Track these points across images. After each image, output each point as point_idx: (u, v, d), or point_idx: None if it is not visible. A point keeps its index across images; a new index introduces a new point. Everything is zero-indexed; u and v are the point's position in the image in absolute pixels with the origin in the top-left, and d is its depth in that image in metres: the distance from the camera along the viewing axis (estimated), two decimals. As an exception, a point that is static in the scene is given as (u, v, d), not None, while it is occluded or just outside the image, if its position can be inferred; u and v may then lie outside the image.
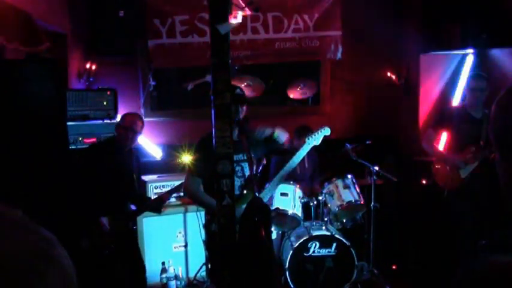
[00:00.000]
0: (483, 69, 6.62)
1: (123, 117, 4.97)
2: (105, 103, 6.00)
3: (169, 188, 5.44)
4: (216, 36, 3.35)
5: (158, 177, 6.23)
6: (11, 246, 0.85)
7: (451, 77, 7.35)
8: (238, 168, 4.28)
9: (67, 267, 0.93)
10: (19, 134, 3.53)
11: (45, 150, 3.62)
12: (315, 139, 4.94)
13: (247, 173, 4.34)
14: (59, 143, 3.81)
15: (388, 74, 7.63)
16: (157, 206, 5.21)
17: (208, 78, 6.48)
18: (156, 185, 5.97)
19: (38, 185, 3.51)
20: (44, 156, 3.61)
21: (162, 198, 5.19)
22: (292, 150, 6.21)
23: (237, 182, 4.20)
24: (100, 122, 5.92)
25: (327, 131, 4.98)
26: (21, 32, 5.03)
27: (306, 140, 4.95)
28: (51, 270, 0.87)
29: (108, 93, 6.09)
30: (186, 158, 5.55)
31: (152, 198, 5.49)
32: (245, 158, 4.20)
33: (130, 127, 4.85)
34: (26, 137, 3.57)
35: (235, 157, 4.03)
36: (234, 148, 3.44)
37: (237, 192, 4.08)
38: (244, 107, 4.26)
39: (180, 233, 6.05)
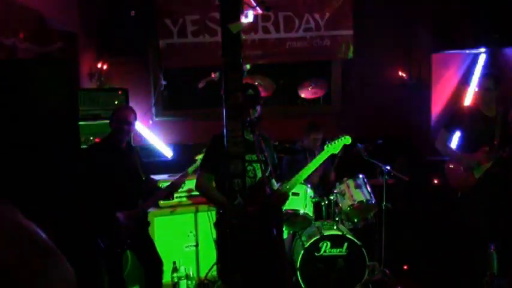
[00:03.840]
0: (495, 68, 6.58)
1: (115, 112, 4.97)
2: (116, 103, 6.01)
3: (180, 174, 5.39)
4: (227, 35, 3.34)
5: (169, 176, 6.22)
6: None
7: (464, 76, 7.29)
8: (249, 168, 4.24)
9: (68, 271, 0.93)
10: (31, 135, 3.55)
11: (57, 150, 3.63)
12: (334, 147, 4.91)
13: (259, 174, 4.28)
14: (70, 142, 3.81)
15: (400, 73, 7.59)
16: (170, 192, 5.29)
17: (216, 75, 6.48)
18: (166, 185, 5.98)
19: (51, 184, 3.52)
20: (56, 155, 3.62)
21: (175, 184, 5.22)
22: (303, 149, 6.23)
23: (247, 183, 4.17)
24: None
25: (347, 140, 4.94)
26: (33, 31, 5.07)
27: (325, 147, 4.92)
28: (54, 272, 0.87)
29: (120, 92, 6.11)
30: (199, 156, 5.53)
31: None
32: (257, 158, 4.15)
33: (124, 119, 4.85)
34: (38, 137, 3.58)
35: (247, 157, 4.01)
36: (246, 148, 3.43)
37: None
38: (259, 108, 4.21)
39: (191, 232, 6.05)
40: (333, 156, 5.21)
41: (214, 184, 4.33)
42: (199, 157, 5.11)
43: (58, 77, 3.85)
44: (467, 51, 7.16)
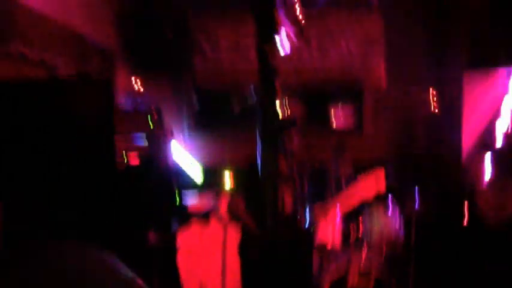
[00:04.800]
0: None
1: (151, 133, 5.04)
2: (150, 121, 6.08)
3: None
4: (263, 63, 3.39)
5: (198, 192, 6.26)
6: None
7: (497, 95, 7.14)
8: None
9: None
10: (70, 153, 3.63)
11: (94, 167, 3.71)
12: None
13: (289, 200, 4.30)
14: (106, 160, 3.89)
15: (431, 94, 7.53)
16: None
17: (253, 100, 6.54)
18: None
19: (88, 201, 3.59)
20: (92, 172, 3.70)
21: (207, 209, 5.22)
22: (332, 170, 6.23)
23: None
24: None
25: (380, 173, 4.89)
26: (73, 50, 5.19)
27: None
28: None
29: (154, 112, 6.19)
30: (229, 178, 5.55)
31: None
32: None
33: (160, 140, 4.92)
34: (76, 155, 3.66)
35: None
36: (280, 174, 3.46)
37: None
38: (296, 138, 4.23)
39: (218, 253, 6.04)
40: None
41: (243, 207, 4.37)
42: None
43: (97, 96, 3.94)
44: (499, 69, 7.02)
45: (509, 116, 6.65)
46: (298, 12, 5.01)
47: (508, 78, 6.98)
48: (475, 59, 6.91)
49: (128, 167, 5.67)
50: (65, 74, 5.02)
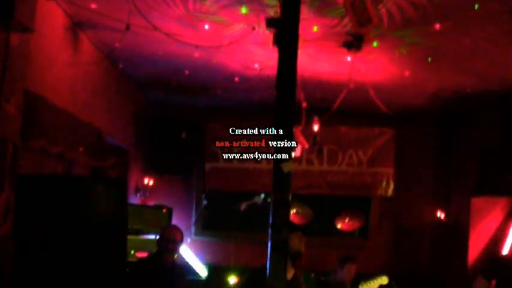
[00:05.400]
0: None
1: (163, 229, 5.11)
2: (160, 219, 6.17)
3: None
4: (278, 173, 3.49)
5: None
6: None
7: (503, 222, 7.24)
8: None
9: None
10: (83, 249, 3.70)
11: (106, 265, 3.77)
12: (369, 287, 4.87)
13: None
14: (118, 258, 3.95)
15: (438, 214, 7.62)
16: None
17: (258, 199, 6.65)
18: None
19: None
20: (103, 269, 3.75)
21: None
22: (336, 282, 6.18)
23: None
24: (153, 237, 6.06)
25: (383, 280, 4.91)
26: (91, 146, 5.36)
27: (360, 286, 4.87)
28: None
29: (164, 210, 6.29)
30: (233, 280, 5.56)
31: None
32: None
33: (171, 238, 4.96)
34: (89, 252, 3.73)
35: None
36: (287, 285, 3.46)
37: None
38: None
39: None
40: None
41: None
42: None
43: (113, 195, 4.06)
44: (507, 198, 7.16)
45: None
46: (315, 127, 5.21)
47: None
48: (483, 185, 7.05)
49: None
50: (82, 169, 5.18)
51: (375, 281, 4.89)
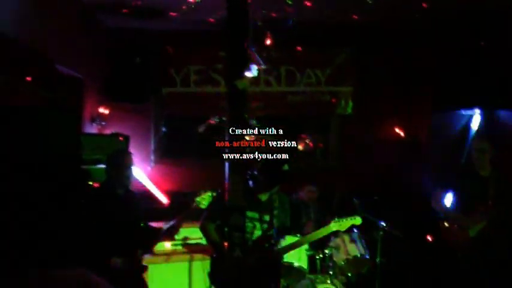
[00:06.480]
0: (490, 130, 6.69)
1: (111, 157, 4.94)
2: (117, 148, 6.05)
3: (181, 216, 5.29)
4: (232, 90, 3.43)
5: (164, 224, 6.23)
6: None
7: (459, 136, 7.39)
8: (249, 225, 4.27)
9: None
10: (34, 182, 3.60)
11: (61, 194, 3.68)
12: (341, 225, 4.88)
13: (258, 232, 4.33)
14: (72, 190, 3.86)
15: (398, 130, 7.70)
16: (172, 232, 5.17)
17: (215, 120, 6.59)
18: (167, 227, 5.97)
19: (53, 227, 3.55)
20: (60, 199, 3.66)
21: (175, 226, 5.10)
22: (298, 202, 6.26)
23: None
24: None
25: (357, 221, 4.92)
26: (41, 75, 5.16)
27: (332, 222, 4.86)
28: None
29: (121, 139, 6.15)
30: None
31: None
32: (259, 217, 4.20)
33: (123, 164, 4.83)
34: (41, 184, 3.63)
35: (250, 214, 4.07)
36: (252, 206, 3.47)
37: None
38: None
39: (185, 281, 6.02)
40: (328, 207, 5.21)
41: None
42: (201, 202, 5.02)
43: (64, 124, 3.93)
44: (463, 112, 7.28)
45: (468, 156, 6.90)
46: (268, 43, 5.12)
47: (470, 121, 7.24)
48: (440, 101, 7.13)
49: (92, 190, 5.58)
50: (31, 100, 4.99)
51: (348, 220, 4.90)
